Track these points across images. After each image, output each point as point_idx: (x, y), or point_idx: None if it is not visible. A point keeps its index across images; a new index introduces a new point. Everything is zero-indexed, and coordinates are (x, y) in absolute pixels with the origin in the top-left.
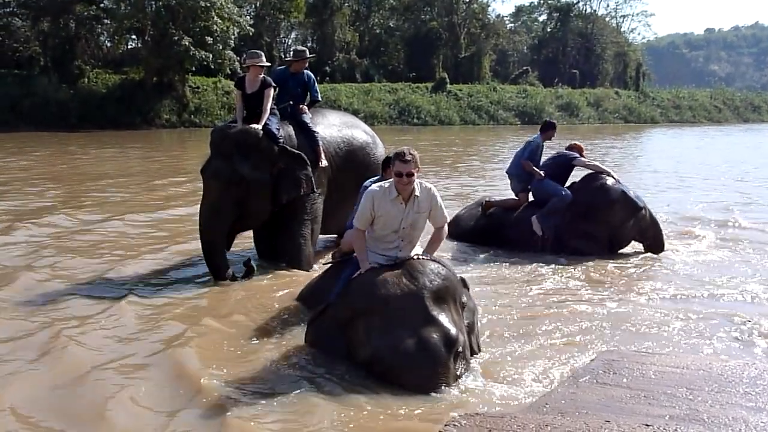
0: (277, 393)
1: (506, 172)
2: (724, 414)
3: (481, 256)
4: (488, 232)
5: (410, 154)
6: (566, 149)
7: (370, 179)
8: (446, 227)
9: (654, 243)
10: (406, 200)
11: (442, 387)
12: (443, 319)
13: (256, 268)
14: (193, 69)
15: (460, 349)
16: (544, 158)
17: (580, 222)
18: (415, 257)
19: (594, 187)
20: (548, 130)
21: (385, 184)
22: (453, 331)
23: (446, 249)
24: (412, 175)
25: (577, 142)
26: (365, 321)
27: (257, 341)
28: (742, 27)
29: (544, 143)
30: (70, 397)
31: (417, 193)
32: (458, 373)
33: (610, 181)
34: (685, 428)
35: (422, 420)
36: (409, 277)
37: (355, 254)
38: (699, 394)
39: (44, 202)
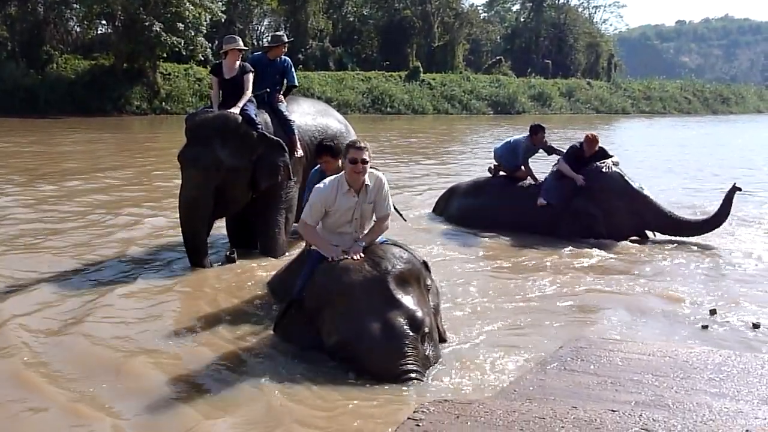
0: (242, 382)
1: (495, 154)
2: (689, 400)
3: (460, 238)
4: (478, 212)
5: (363, 142)
6: (584, 140)
7: (317, 167)
8: (388, 222)
9: (663, 226)
10: (357, 191)
11: (412, 369)
12: (407, 301)
13: (235, 257)
14: (165, 55)
15: (427, 330)
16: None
17: (579, 201)
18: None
19: (593, 169)
20: (535, 134)
21: (334, 178)
22: (419, 313)
23: (430, 230)
24: (367, 162)
25: (593, 133)
26: (331, 310)
27: (226, 331)
28: (713, 19)
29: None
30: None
31: (368, 182)
32: (427, 354)
33: (608, 165)
34: (650, 414)
35: (391, 407)
36: (371, 263)
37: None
38: (665, 380)
39: (8, 187)
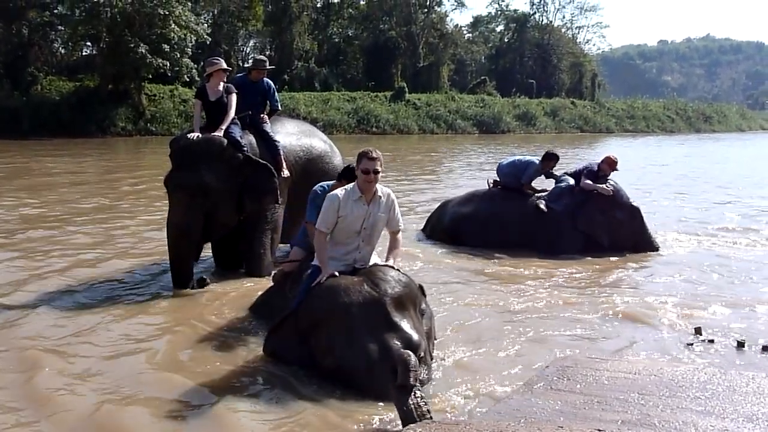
0: (231, 404)
1: (497, 172)
2: (675, 418)
3: (451, 257)
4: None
5: (376, 152)
6: (599, 163)
7: (320, 184)
8: (401, 234)
9: (647, 245)
10: (369, 200)
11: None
12: (405, 325)
13: (209, 281)
14: (150, 76)
15: (422, 354)
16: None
17: (587, 210)
18: (379, 264)
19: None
20: (548, 160)
21: (347, 186)
22: (415, 337)
23: (418, 248)
24: (378, 172)
25: (611, 156)
26: (327, 329)
27: (214, 352)
28: (694, 39)
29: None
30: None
31: (380, 194)
32: (421, 377)
33: (613, 183)
34: None
35: (378, 428)
36: (371, 284)
37: (315, 261)
38: (650, 399)
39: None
